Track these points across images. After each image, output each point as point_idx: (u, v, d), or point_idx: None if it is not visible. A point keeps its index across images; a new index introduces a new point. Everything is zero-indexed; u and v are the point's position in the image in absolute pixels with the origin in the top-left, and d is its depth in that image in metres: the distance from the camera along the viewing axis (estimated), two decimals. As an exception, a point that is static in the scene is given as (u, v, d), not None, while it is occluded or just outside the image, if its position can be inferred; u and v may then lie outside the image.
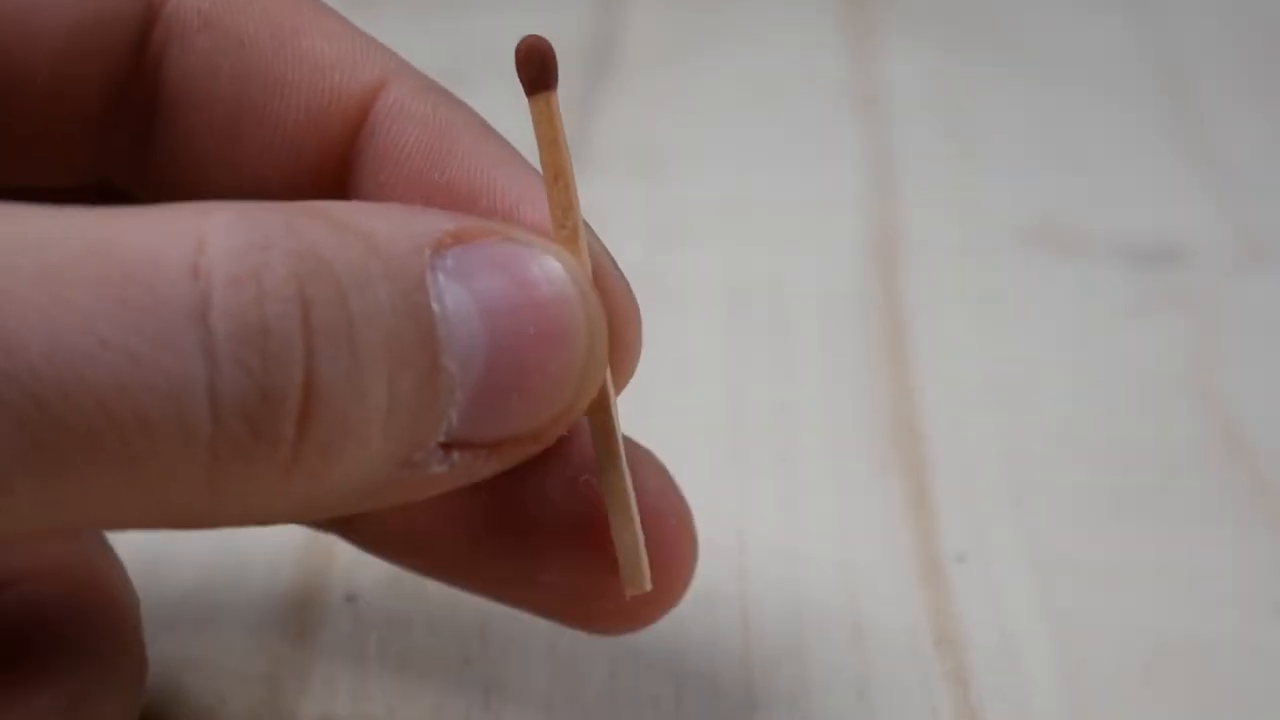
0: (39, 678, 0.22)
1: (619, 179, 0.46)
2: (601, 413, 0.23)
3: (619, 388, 0.24)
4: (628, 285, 0.24)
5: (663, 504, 0.24)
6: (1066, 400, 0.37)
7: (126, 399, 0.18)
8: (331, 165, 0.24)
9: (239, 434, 0.19)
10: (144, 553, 0.31)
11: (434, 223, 0.21)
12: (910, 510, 0.33)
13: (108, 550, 0.25)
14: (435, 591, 0.30)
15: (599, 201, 0.44)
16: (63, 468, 0.18)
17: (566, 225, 0.23)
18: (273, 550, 0.31)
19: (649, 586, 0.24)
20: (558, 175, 0.23)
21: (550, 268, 0.22)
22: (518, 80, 0.23)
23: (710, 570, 0.31)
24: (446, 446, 0.21)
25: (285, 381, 0.19)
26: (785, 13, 0.55)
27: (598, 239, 0.24)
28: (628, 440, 0.24)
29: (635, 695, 0.28)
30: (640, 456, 0.25)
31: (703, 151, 0.47)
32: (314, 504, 0.21)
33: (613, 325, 0.23)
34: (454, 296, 0.21)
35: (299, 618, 0.30)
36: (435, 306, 0.20)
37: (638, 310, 0.24)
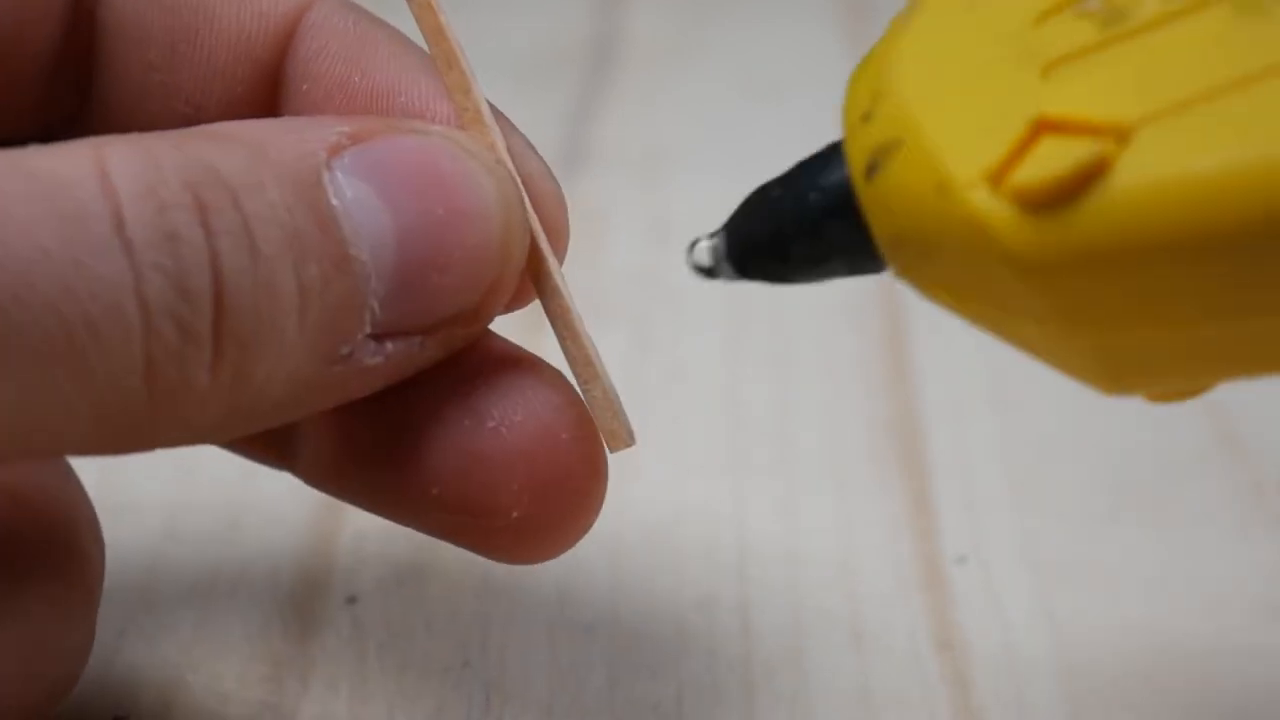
0: None
1: (619, 179, 0.46)
2: (543, 278, 0.24)
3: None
4: (546, 167, 0.25)
5: (554, 420, 0.24)
6: (1066, 401, 0.37)
7: (73, 302, 0.19)
8: (264, 85, 0.26)
9: (167, 334, 0.20)
10: (146, 554, 0.31)
11: (328, 127, 0.22)
12: (910, 512, 0.33)
13: (68, 478, 0.26)
14: (436, 594, 0.31)
15: (599, 201, 0.44)
16: (19, 376, 0.19)
17: (468, 108, 0.24)
18: (274, 552, 0.32)
19: (632, 441, 0.24)
20: (450, 63, 0.24)
21: (449, 150, 0.23)
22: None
23: (710, 573, 0.31)
24: (379, 337, 0.22)
25: (198, 281, 0.20)
26: (785, 12, 0.55)
27: (513, 126, 0.25)
28: (533, 358, 0.25)
29: (635, 699, 0.28)
30: (531, 371, 0.24)
31: (703, 151, 0.47)
32: (249, 408, 0.21)
33: (536, 207, 0.24)
34: (355, 190, 0.22)
35: (300, 619, 0.30)
36: (335, 202, 0.21)
37: (559, 191, 0.25)
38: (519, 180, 0.24)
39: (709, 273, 0.23)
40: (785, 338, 0.39)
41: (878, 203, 0.20)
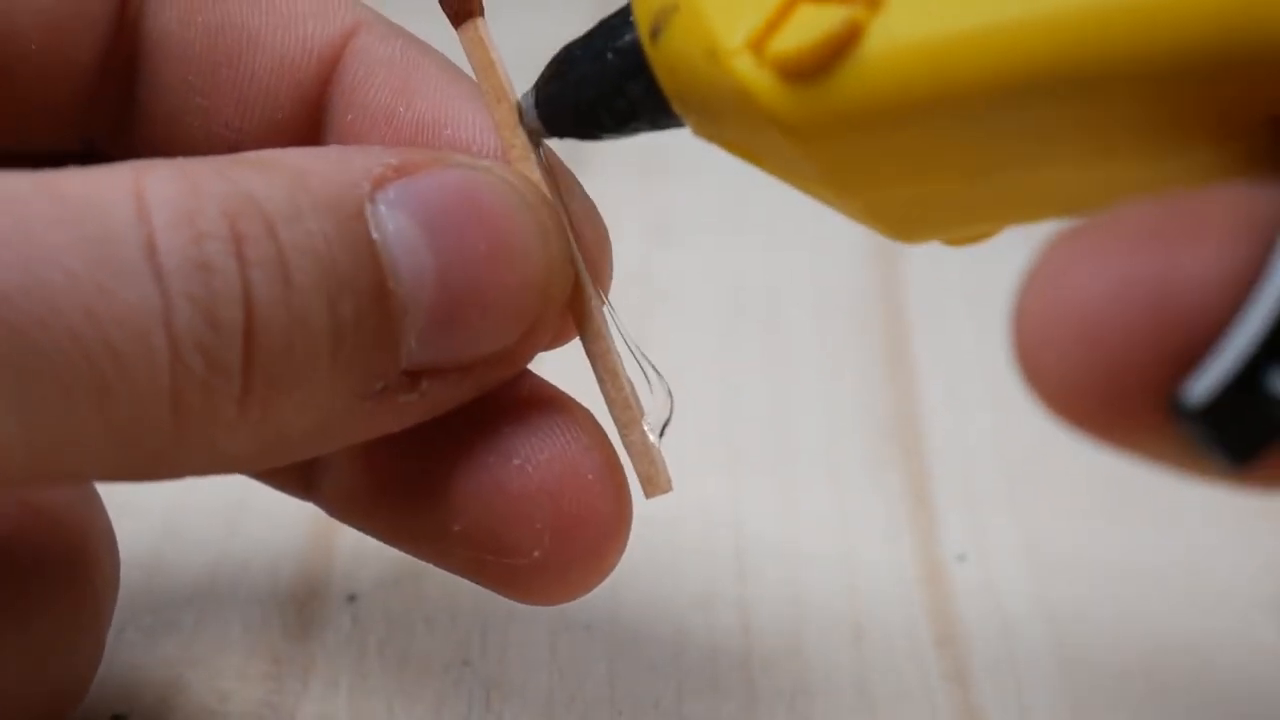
0: None
1: (619, 179, 0.46)
2: (585, 319, 0.24)
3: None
4: (594, 206, 0.24)
5: (581, 460, 0.24)
6: (1066, 400, 0.37)
7: (96, 328, 0.19)
8: (306, 111, 0.25)
9: (194, 364, 0.20)
10: (146, 552, 0.31)
11: (374, 158, 0.22)
12: (910, 510, 0.33)
13: (86, 489, 0.26)
14: (435, 592, 0.31)
15: (599, 201, 0.44)
16: (41, 401, 0.19)
17: (515, 144, 0.24)
18: (274, 551, 0.32)
19: (669, 488, 0.24)
20: (499, 97, 0.24)
21: (495, 186, 0.22)
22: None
23: (710, 571, 0.31)
24: (414, 374, 0.22)
25: (229, 312, 0.20)
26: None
27: (561, 163, 0.24)
28: (563, 396, 0.24)
29: (635, 696, 0.28)
30: (560, 410, 0.24)
31: (703, 152, 0.47)
32: (278, 441, 0.21)
33: (581, 246, 0.24)
34: (396, 224, 0.21)
35: (300, 617, 0.30)
36: (375, 235, 0.21)
37: (604, 231, 0.25)
38: (565, 219, 0.23)
39: (531, 132, 0.24)
40: (784, 336, 0.39)
41: (663, 66, 0.21)
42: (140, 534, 0.32)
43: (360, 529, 0.26)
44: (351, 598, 0.31)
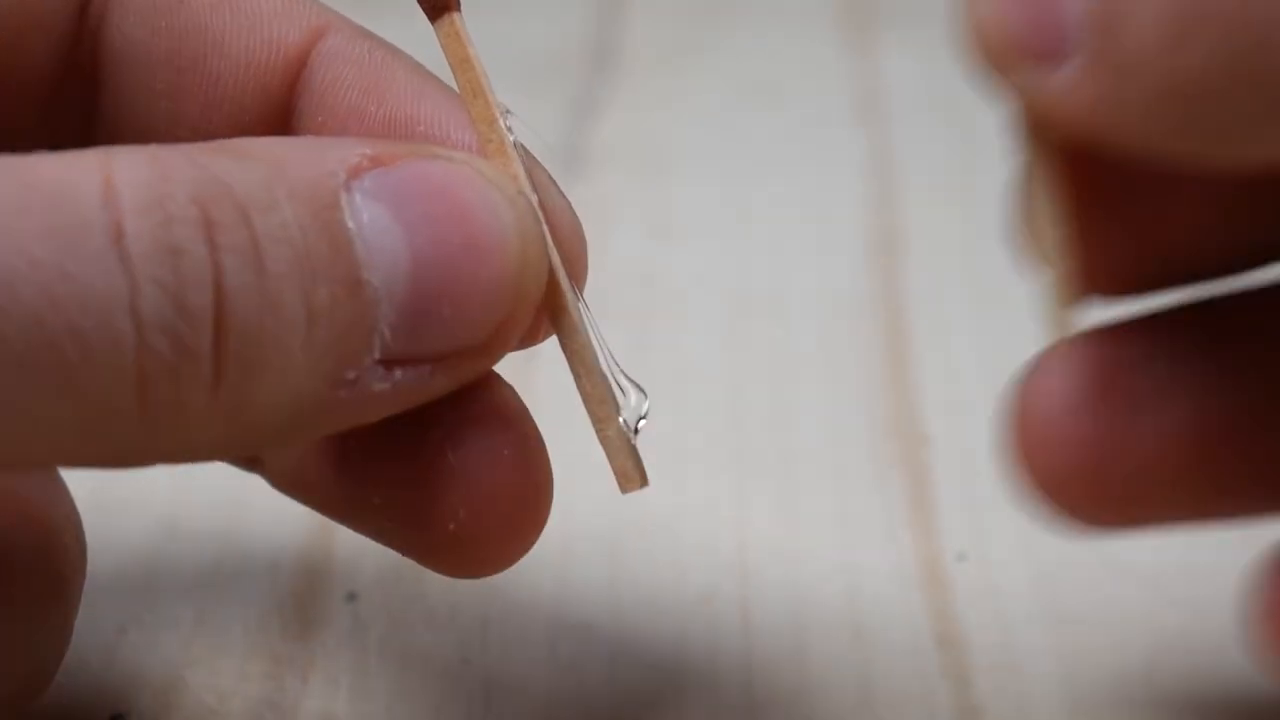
0: None
1: (619, 179, 0.46)
2: (562, 315, 0.24)
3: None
4: (567, 202, 0.24)
5: (499, 437, 0.24)
6: (1066, 400, 0.37)
7: (60, 314, 0.19)
8: (273, 114, 0.25)
9: (162, 350, 0.19)
10: (145, 551, 0.31)
11: (350, 148, 0.22)
12: (911, 510, 0.33)
13: (53, 484, 0.26)
14: (435, 590, 0.31)
15: (599, 201, 0.44)
16: (4, 389, 0.19)
17: (492, 139, 0.24)
18: (274, 549, 0.32)
19: (645, 483, 0.24)
20: (475, 92, 0.24)
21: (471, 179, 0.22)
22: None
23: (711, 570, 0.31)
24: (387, 364, 0.22)
25: (198, 297, 0.20)
26: (785, 13, 0.55)
27: (536, 160, 0.24)
28: (499, 382, 0.24)
29: (636, 695, 0.28)
30: (482, 386, 0.24)
31: (703, 152, 0.47)
32: (250, 428, 0.21)
33: (557, 242, 0.24)
34: (371, 214, 0.21)
35: (300, 616, 0.30)
36: (350, 224, 0.21)
37: (580, 226, 0.25)
38: (541, 214, 0.23)
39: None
40: (785, 336, 0.39)
41: None
42: (140, 532, 0.32)
43: (300, 501, 0.26)
44: (351, 596, 0.31)
